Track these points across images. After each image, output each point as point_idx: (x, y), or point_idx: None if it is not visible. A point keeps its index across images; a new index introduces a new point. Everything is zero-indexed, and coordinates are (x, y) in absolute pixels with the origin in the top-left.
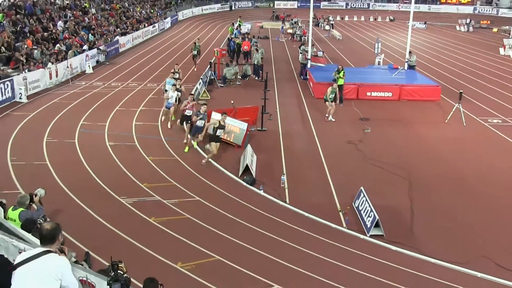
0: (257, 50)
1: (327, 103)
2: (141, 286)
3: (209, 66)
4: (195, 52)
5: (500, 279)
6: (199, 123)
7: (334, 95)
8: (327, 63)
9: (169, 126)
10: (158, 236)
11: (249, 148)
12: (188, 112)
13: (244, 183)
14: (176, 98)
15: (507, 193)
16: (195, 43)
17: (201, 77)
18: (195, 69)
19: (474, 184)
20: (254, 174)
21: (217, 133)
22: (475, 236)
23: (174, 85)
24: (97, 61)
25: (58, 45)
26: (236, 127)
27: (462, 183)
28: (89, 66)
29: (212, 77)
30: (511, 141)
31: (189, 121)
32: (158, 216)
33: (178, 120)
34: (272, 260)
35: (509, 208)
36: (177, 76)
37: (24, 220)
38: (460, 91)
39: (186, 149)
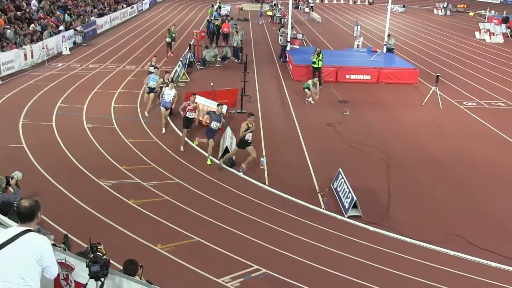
0: (236, 32)
1: (306, 89)
2: (121, 268)
3: (188, 48)
4: (169, 40)
5: (472, 257)
6: (214, 125)
7: (315, 86)
8: (305, 45)
9: (163, 131)
10: (138, 218)
11: (228, 130)
12: (190, 115)
13: (224, 166)
14: (173, 97)
15: (480, 174)
16: (169, 29)
17: (181, 59)
18: (171, 55)
19: (449, 166)
20: (233, 156)
21: (246, 137)
22: (450, 216)
23: (172, 81)
24: (74, 43)
25: (32, 25)
26: (215, 109)
27: (438, 165)
28: (65, 47)
29: (192, 59)
30: (485, 123)
31: (190, 126)
32: (138, 198)
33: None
34: (252, 241)
35: (482, 189)
36: (153, 70)
37: (0, 203)
38: (437, 74)
39: (209, 161)
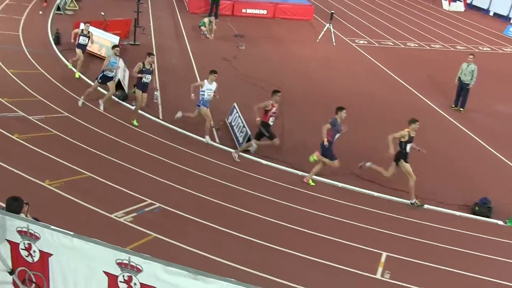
0: None
1: (202, 27)
2: (4, 206)
3: None
4: None
5: (358, 188)
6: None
7: (211, 25)
8: None
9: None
10: (22, 153)
11: (121, 62)
12: (272, 121)
13: (116, 99)
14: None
15: (368, 105)
16: None
17: None
18: (44, 5)
19: (340, 98)
20: (126, 90)
21: (407, 149)
22: (340, 150)
23: (215, 73)
24: None
25: None
26: (107, 40)
27: (329, 99)
28: None
29: None
30: (373, 60)
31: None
32: (22, 133)
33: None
34: (146, 176)
35: (369, 120)
36: (86, 41)
37: None
38: (332, 11)
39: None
